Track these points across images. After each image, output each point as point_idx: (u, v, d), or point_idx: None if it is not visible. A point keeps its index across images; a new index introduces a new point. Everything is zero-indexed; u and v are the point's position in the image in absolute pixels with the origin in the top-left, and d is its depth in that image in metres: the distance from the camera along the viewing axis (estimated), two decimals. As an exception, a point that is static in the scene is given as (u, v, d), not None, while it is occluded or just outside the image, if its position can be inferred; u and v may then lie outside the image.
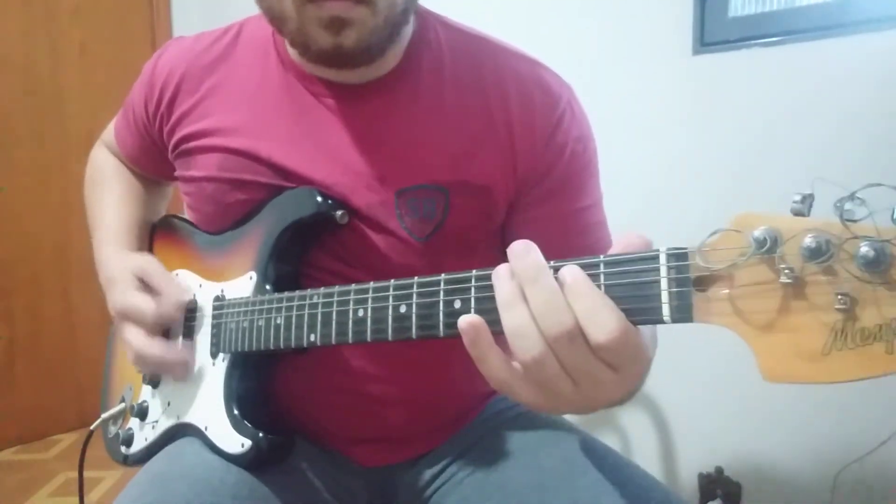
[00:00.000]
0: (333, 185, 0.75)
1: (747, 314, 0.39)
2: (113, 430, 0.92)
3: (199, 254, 0.86)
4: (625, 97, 1.66)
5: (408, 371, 0.81)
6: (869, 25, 1.36)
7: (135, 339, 0.78)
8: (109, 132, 1.00)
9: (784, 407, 1.51)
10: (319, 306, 0.64)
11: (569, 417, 0.81)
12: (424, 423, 0.85)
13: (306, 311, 0.66)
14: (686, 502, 0.74)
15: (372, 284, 0.59)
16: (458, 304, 0.51)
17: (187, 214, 0.89)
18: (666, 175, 1.64)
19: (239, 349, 0.74)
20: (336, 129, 0.76)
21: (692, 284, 0.41)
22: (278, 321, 0.69)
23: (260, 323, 0.71)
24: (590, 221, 0.80)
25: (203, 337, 0.80)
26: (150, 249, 0.96)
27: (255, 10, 0.74)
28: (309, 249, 0.77)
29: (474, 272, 0.51)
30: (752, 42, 1.50)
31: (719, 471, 1.59)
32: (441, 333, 0.53)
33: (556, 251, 0.47)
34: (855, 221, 0.35)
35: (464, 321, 0.47)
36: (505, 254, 0.48)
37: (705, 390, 1.63)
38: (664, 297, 0.42)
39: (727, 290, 0.40)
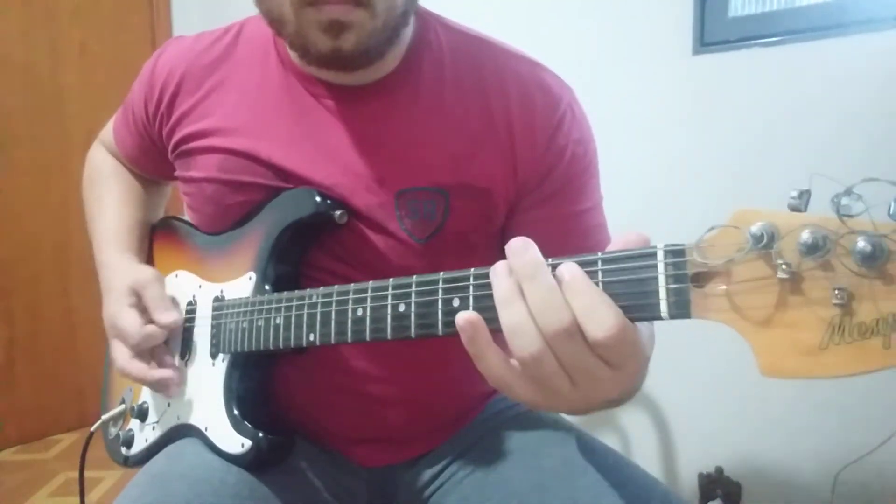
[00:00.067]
0: (333, 186, 0.75)
1: (745, 310, 0.39)
2: (113, 431, 0.92)
3: (199, 254, 0.86)
4: (625, 97, 1.66)
5: (408, 371, 0.81)
6: (869, 25, 1.36)
7: (118, 356, 0.80)
8: (108, 131, 1.00)
9: (784, 407, 1.51)
10: (318, 306, 0.64)
11: (569, 418, 0.81)
12: (424, 423, 0.85)
13: (305, 310, 0.66)
14: (686, 502, 0.74)
15: (371, 284, 0.59)
16: (456, 303, 0.51)
17: (187, 214, 0.89)
18: (666, 175, 1.64)
19: (238, 349, 0.74)
20: (336, 131, 0.76)
21: (690, 280, 0.41)
22: (277, 321, 0.69)
23: (259, 323, 0.71)
24: (590, 224, 0.80)
25: (202, 338, 0.80)
26: (150, 251, 0.96)
27: (255, 11, 0.74)
28: (308, 250, 0.77)
29: (472, 271, 0.51)
30: (752, 42, 1.50)
31: (719, 471, 1.59)
32: (440, 332, 0.53)
33: (555, 253, 0.47)
34: (852, 217, 0.35)
35: (461, 318, 0.47)
36: (505, 256, 0.47)
37: (705, 390, 1.63)
38: (662, 293, 0.42)
39: (725, 286, 0.40)
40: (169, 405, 0.82)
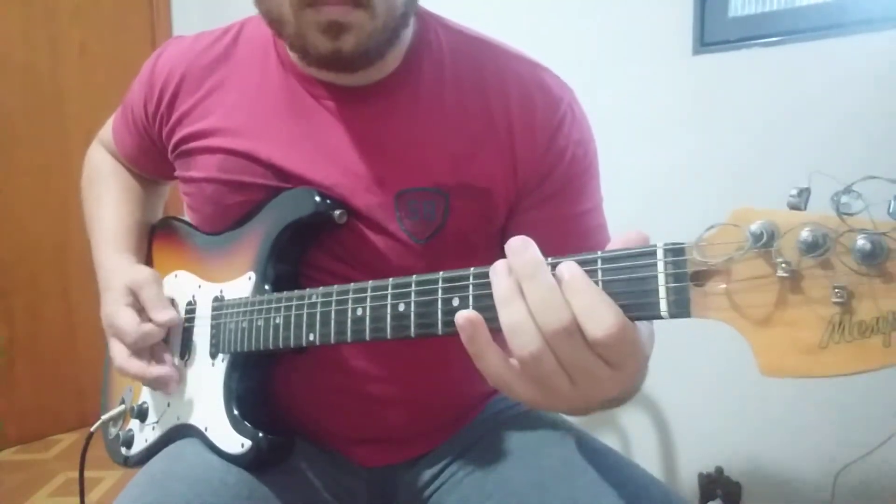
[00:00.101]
0: (333, 186, 0.75)
1: (744, 308, 0.39)
2: (113, 431, 0.92)
3: (198, 254, 0.86)
4: (625, 97, 1.66)
5: (408, 371, 0.80)
6: (869, 25, 1.36)
7: (116, 355, 0.80)
8: (107, 131, 1.00)
9: (784, 407, 1.51)
10: (318, 306, 0.64)
11: (569, 418, 0.81)
12: (424, 423, 0.85)
13: (305, 310, 0.66)
14: (686, 501, 0.73)
15: (370, 283, 0.59)
16: (456, 302, 0.51)
17: (187, 214, 0.89)
18: (666, 175, 1.64)
19: (238, 349, 0.74)
20: (336, 132, 0.76)
21: (689, 279, 0.41)
22: (277, 321, 0.69)
23: (259, 323, 0.71)
24: (590, 225, 0.80)
25: (202, 338, 0.80)
26: (149, 251, 0.96)
27: (255, 11, 0.74)
28: (308, 249, 0.77)
29: (472, 270, 0.51)
30: (752, 42, 1.50)
31: (719, 471, 1.59)
32: (440, 331, 0.52)
33: (555, 254, 0.47)
34: (851, 215, 0.34)
35: (461, 317, 0.47)
36: (505, 256, 0.47)
37: (705, 390, 1.63)
38: (662, 292, 0.42)
39: (724, 285, 0.40)
40: (169, 405, 0.82)
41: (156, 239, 0.97)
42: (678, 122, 1.61)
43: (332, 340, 0.62)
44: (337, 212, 0.73)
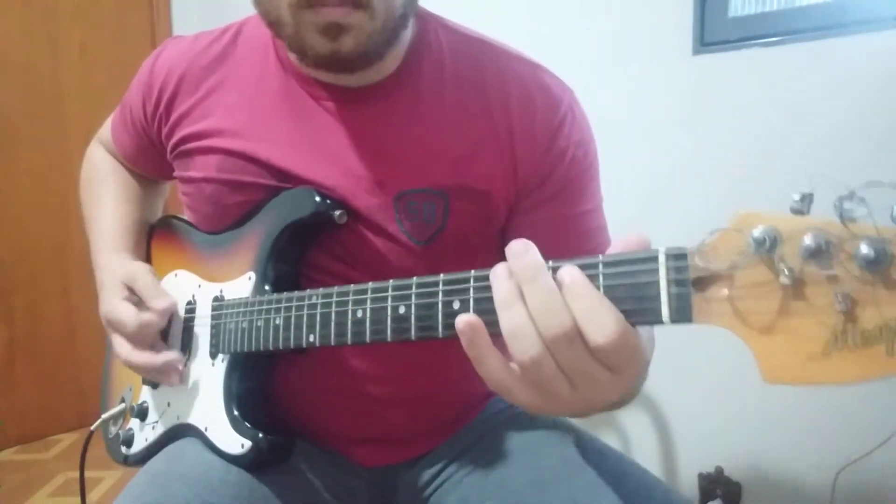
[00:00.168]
0: (332, 188, 0.75)
1: (747, 315, 0.38)
2: (113, 430, 0.92)
3: (198, 254, 0.86)
4: (625, 98, 1.66)
5: (408, 371, 0.80)
6: (869, 25, 1.36)
7: (120, 348, 0.79)
8: (106, 130, 1.00)
9: (784, 407, 1.51)
10: (318, 307, 0.64)
11: (569, 418, 0.81)
12: (424, 424, 0.85)
13: (305, 311, 0.66)
14: (686, 499, 0.73)
15: (371, 285, 0.58)
16: (456, 305, 0.51)
17: (186, 215, 0.89)
18: (666, 175, 1.64)
19: (238, 350, 0.74)
20: (335, 133, 0.76)
21: (691, 285, 0.40)
22: (277, 322, 0.69)
23: (259, 323, 0.71)
24: (590, 226, 0.80)
25: (202, 337, 0.80)
26: (148, 250, 0.96)
27: (254, 11, 0.74)
28: (308, 250, 0.77)
29: (473, 273, 0.50)
30: (752, 42, 1.50)
31: (719, 471, 1.59)
32: (440, 334, 0.52)
33: (555, 255, 0.47)
34: (854, 221, 0.34)
35: (461, 321, 0.47)
36: (505, 258, 0.47)
37: (705, 390, 1.63)
38: (663, 297, 0.41)
39: (727, 291, 0.39)
40: (169, 405, 0.82)
41: (155, 238, 0.97)
42: (678, 123, 1.61)
43: (333, 342, 0.62)
44: (337, 212, 0.73)
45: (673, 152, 1.62)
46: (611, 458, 0.75)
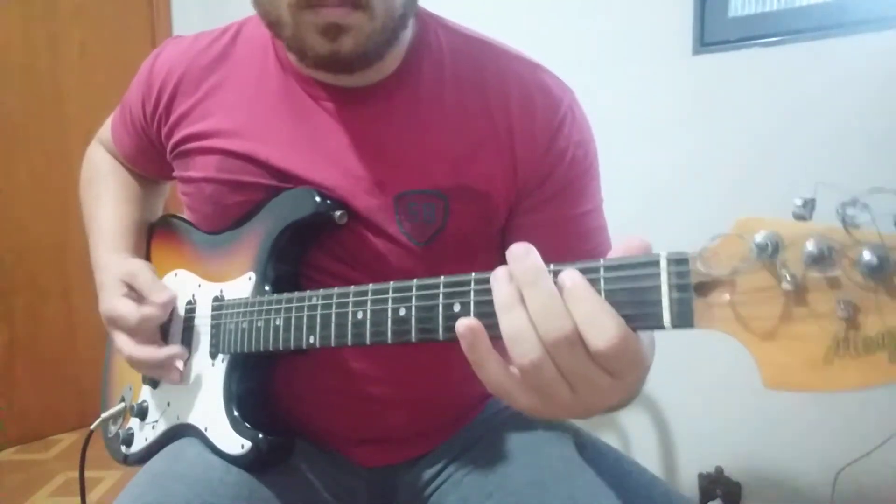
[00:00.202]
0: (332, 188, 0.75)
1: (749, 321, 0.38)
2: (113, 429, 0.92)
3: (198, 254, 0.86)
4: (625, 98, 1.66)
5: (408, 372, 0.80)
6: (869, 25, 1.36)
7: (123, 344, 0.79)
8: (106, 130, 0.99)
9: (784, 407, 1.51)
10: (318, 308, 0.64)
11: (568, 419, 0.81)
12: (424, 424, 0.85)
13: (305, 312, 0.65)
14: (687, 498, 0.73)
15: (371, 286, 0.58)
16: (457, 308, 0.51)
17: (186, 215, 0.88)
18: (666, 175, 1.64)
19: (238, 350, 0.74)
20: (335, 133, 0.76)
21: (693, 290, 0.40)
22: (277, 322, 0.69)
23: (259, 324, 0.71)
24: (590, 226, 0.80)
25: (202, 337, 0.80)
26: (148, 249, 0.96)
27: (254, 11, 0.73)
28: (308, 250, 0.77)
29: (473, 275, 0.50)
30: (752, 42, 1.50)
31: (719, 471, 1.59)
32: (440, 337, 0.52)
33: (555, 256, 0.47)
34: (857, 227, 0.34)
35: (461, 325, 0.47)
36: (505, 258, 0.47)
37: (705, 390, 1.63)
38: (665, 302, 0.41)
39: (728, 297, 0.39)
40: (169, 404, 0.82)
41: (155, 237, 0.96)
42: (678, 123, 1.61)
43: (333, 343, 0.62)
44: (337, 212, 0.73)
45: (673, 152, 1.62)
46: (610, 457, 0.75)
